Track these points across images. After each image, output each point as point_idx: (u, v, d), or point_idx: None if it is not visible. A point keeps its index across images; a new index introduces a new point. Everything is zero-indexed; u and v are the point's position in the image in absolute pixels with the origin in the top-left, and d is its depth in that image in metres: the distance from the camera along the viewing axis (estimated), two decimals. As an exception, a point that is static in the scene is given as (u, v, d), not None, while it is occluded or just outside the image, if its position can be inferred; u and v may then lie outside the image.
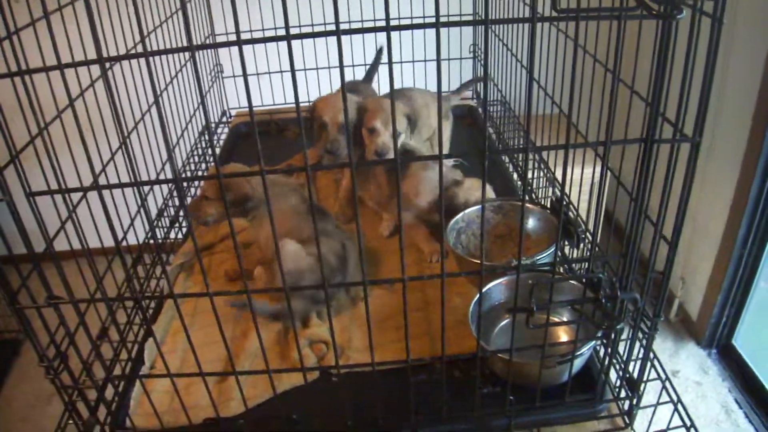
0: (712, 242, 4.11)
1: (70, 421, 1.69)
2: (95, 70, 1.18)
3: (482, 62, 3.46)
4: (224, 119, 3.66)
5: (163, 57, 2.44)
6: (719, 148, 3.93)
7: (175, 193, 2.66)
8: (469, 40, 3.63)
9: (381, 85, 3.56)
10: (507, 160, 2.97)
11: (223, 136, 3.48)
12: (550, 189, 2.45)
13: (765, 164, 3.53)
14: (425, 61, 3.44)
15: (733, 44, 3.62)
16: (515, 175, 2.85)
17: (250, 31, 3.47)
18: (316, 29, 1.34)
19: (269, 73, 3.50)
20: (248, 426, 1.71)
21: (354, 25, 2.03)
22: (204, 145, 3.22)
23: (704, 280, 4.25)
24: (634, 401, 1.70)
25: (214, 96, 3.48)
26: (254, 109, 3.35)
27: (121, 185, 1.26)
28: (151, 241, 2.29)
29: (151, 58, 1.11)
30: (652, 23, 1.22)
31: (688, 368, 4.29)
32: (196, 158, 3.06)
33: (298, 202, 2.31)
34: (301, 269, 2.05)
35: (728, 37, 3.62)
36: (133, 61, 1.22)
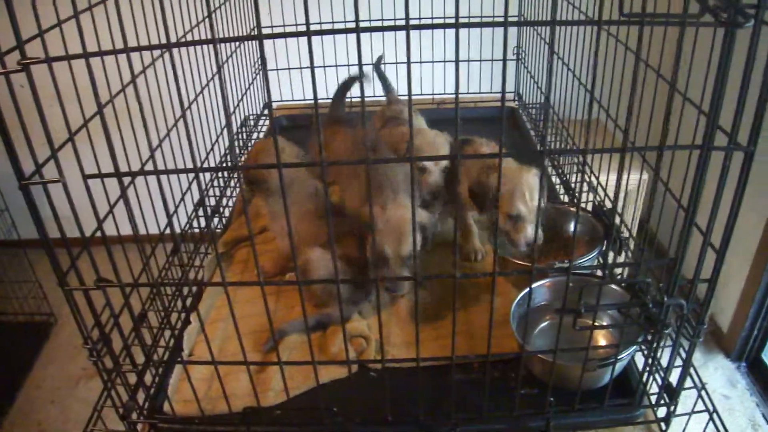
0: (746, 255, 4.08)
1: (107, 404, 1.71)
2: (146, 54, 1.19)
3: (525, 64, 3.46)
4: (266, 112, 3.67)
5: (208, 45, 2.45)
6: (757, 161, 3.89)
7: (216, 183, 2.68)
8: (512, 42, 3.62)
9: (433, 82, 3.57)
10: (547, 162, 2.96)
11: (264, 128, 3.50)
12: (592, 193, 2.44)
13: (804, 177, 3.51)
14: (468, 61, 3.44)
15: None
16: (555, 178, 2.84)
17: (283, 25, 3.49)
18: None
19: (313, 67, 3.48)
20: (287, 416, 1.72)
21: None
22: (245, 137, 3.24)
23: (737, 292, 4.22)
24: (672, 408, 1.70)
25: (256, 89, 3.50)
26: (296, 103, 3.36)
27: (183, 170, 1.28)
28: (196, 229, 2.32)
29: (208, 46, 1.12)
30: (708, 31, 1.22)
31: (716, 381, 4.26)
32: (237, 149, 3.09)
33: (317, 204, 2.24)
34: (331, 274, 2.06)
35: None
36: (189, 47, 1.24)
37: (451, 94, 3.58)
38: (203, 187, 2.20)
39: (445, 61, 3.50)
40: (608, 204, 2.21)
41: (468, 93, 3.52)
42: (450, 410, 1.62)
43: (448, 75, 3.64)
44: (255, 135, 3.39)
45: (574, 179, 2.71)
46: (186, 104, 2.04)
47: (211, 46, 1.12)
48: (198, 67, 2.26)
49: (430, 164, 2.31)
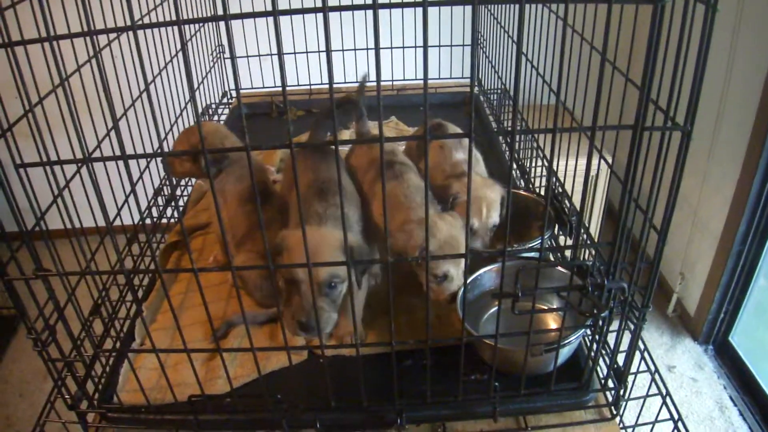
0: (711, 239, 4.11)
1: (60, 397, 1.70)
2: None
3: (485, 49, 3.45)
4: (225, 100, 3.65)
5: (164, 36, 2.44)
6: (721, 146, 3.94)
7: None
8: (471, 27, 3.60)
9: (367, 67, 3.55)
10: (506, 148, 2.96)
11: (224, 117, 3.48)
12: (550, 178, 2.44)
13: (766, 162, 3.53)
14: (428, 46, 3.42)
15: (738, 45, 3.62)
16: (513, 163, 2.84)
17: (241, 15, 3.47)
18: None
19: (271, 54, 3.48)
20: (233, 403, 1.71)
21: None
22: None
23: (703, 276, 4.26)
24: (621, 392, 1.69)
25: (215, 77, 3.48)
26: (256, 90, 3.34)
27: (109, 158, 1.26)
28: (147, 221, 2.30)
29: (143, 36, 1.11)
30: (649, 9, 1.21)
31: (684, 364, 4.29)
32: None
33: (246, 186, 2.13)
34: (260, 276, 2.04)
35: (733, 37, 3.62)
36: (132, 39, 1.21)
37: (411, 80, 3.58)
38: (140, 176, 2.17)
39: (404, 47, 3.49)
40: (564, 188, 2.21)
41: (425, 79, 3.51)
42: (394, 396, 1.61)
43: (407, 61, 3.62)
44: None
45: (529, 164, 2.71)
46: (130, 99, 2.06)
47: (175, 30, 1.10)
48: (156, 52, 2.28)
49: (454, 270, 1.81)
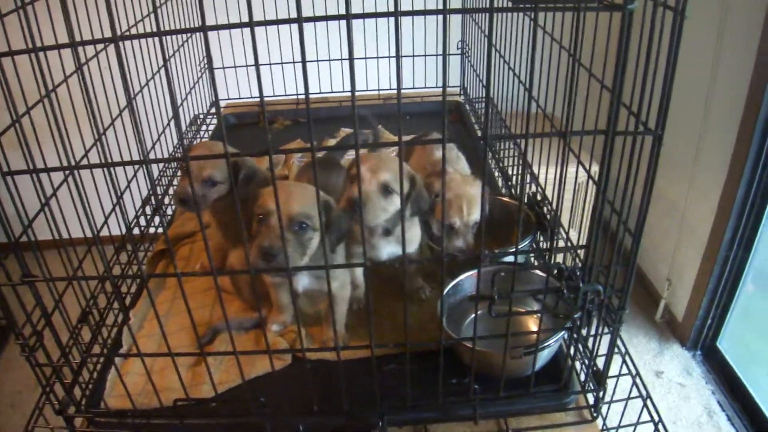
0: (698, 245, 4.14)
1: (48, 402, 1.72)
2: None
3: (470, 58, 3.48)
4: (213, 110, 3.67)
5: (151, 48, 2.45)
6: (707, 152, 3.97)
7: (159, 182, 2.68)
8: (457, 36, 3.65)
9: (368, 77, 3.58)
10: (491, 156, 2.99)
11: (212, 127, 3.50)
12: (532, 185, 2.45)
13: (751, 169, 3.57)
14: (413, 56, 3.46)
15: (722, 52, 3.65)
16: (497, 172, 2.86)
17: (219, 27, 3.49)
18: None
19: (259, 64, 3.48)
20: (217, 408, 1.73)
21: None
22: (191, 136, 3.24)
23: (690, 282, 4.28)
24: (601, 394, 1.71)
25: (203, 87, 3.49)
26: (245, 100, 3.36)
27: (95, 165, 1.28)
28: (135, 230, 2.32)
29: (131, 48, 1.13)
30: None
31: (672, 369, 4.31)
32: (182, 149, 3.08)
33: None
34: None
35: (717, 44, 3.65)
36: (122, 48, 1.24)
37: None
38: (117, 185, 2.19)
39: (389, 57, 3.51)
40: (545, 194, 2.23)
41: (414, 88, 3.55)
42: (375, 400, 1.63)
43: (393, 71, 3.65)
44: (203, 133, 3.40)
45: (512, 172, 2.73)
46: (118, 108, 2.07)
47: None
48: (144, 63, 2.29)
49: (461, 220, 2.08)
